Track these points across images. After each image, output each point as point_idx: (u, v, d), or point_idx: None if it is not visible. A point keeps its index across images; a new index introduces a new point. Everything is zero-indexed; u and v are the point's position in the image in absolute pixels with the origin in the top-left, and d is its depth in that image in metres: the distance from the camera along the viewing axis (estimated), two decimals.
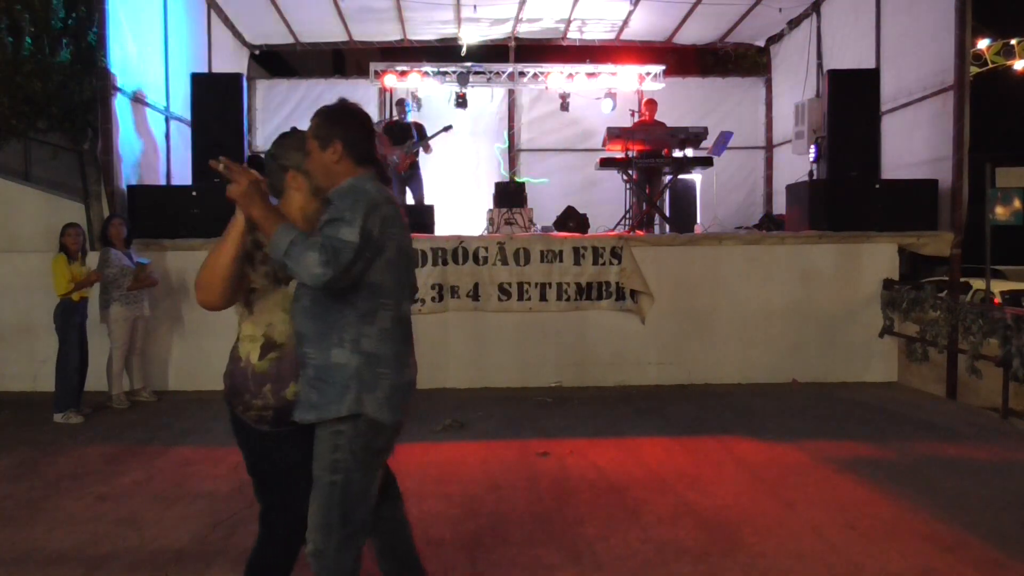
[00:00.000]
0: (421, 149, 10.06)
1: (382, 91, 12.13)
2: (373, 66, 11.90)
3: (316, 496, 2.53)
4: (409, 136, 10.06)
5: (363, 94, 12.19)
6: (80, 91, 8.68)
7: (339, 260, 2.32)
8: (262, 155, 11.00)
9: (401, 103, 10.49)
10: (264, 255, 2.53)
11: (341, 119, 2.59)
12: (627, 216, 9.56)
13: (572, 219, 8.95)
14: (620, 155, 9.27)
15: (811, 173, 9.55)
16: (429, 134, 10.05)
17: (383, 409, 2.51)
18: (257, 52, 12.51)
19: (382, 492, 2.71)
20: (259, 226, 2.42)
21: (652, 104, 10.53)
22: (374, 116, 11.82)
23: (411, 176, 10.17)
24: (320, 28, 11.93)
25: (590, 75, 11.97)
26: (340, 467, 2.50)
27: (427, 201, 9.03)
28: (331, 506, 2.51)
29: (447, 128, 10.10)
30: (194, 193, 7.96)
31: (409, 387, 2.63)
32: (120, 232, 7.11)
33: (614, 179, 10.21)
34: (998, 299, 12.27)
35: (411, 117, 10.56)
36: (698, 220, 10.31)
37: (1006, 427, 6.41)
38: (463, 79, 11.74)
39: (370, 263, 2.44)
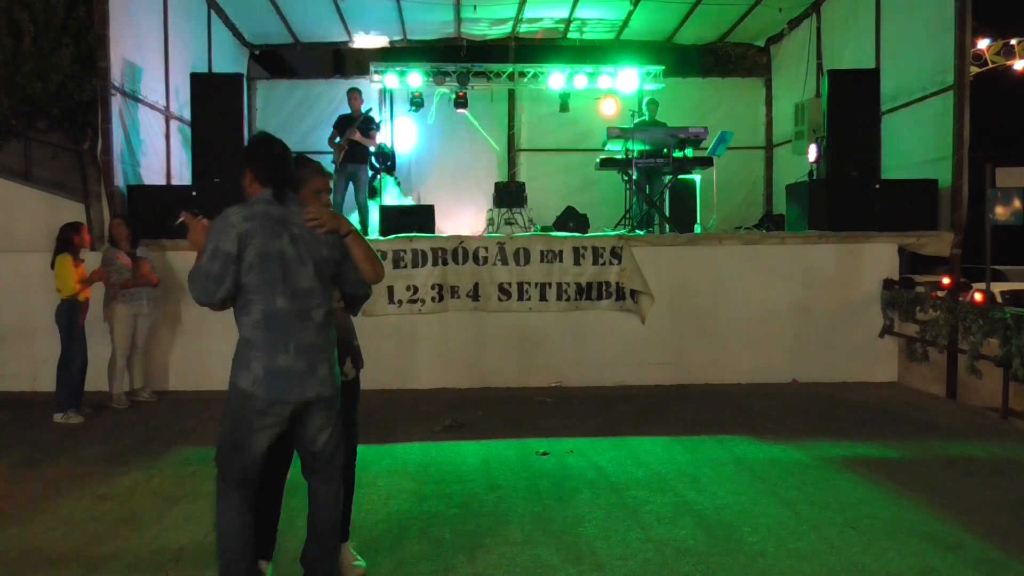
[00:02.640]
0: (359, 137, 9.80)
1: (382, 91, 12.14)
2: (373, 66, 11.90)
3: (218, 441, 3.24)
4: (349, 128, 9.94)
5: (363, 94, 12.17)
6: (80, 91, 8.69)
7: (195, 286, 3.08)
8: None
9: (350, 92, 10.14)
10: None
11: (250, 151, 3.35)
12: (627, 216, 9.56)
13: (572, 219, 8.95)
14: (620, 155, 9.27)
15: (811, 173, 9.55)
16: (371, 128, 9.85)
17: (255, 385, 3.06)
18: (257, 52, 12.52)
19: (311, 468, 3.27)
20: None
21: (652, 104, 10.54)
22: (374, 116, 11.80)
23: (354, 172, 9.81)
24: (320, 28, 11.93)
25: (590, 75, 11.97)
26: (224, 423, 3.18)
27: (427, 201, 9.02)
28: (219, 451, 3.17)
29: (369, 111, 10.07)
30: (194, 193, 7.95)
31: (284, 371, 3.07)
32: (121, 232, 7.12)
33: (614, 179, 10.21)
34: (983, 295, 12.23)
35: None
36: (698, 220, 10.31)
37: (1006, 427, 6.41)
38: (463, 79, 11.75)
39: (235, 271, 3.05)
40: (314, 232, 3.14)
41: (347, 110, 9.98)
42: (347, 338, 3.55)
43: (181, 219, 3.23)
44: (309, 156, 3.59)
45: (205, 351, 7.55)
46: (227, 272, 3.04)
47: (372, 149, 10.16)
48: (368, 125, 9.88)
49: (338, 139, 9.96)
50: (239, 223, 3.06)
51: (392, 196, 10.85)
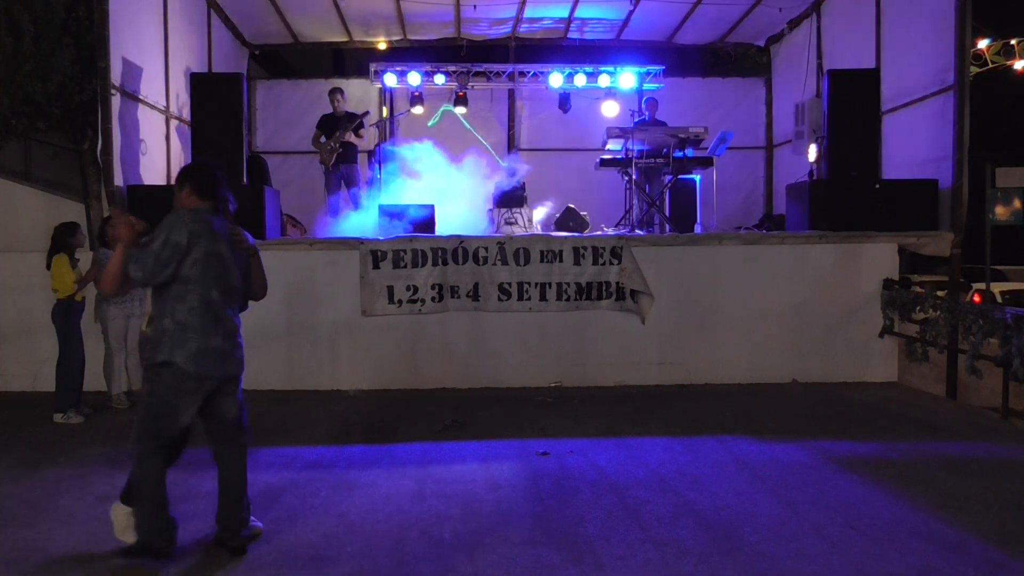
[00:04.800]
0: (353, 137, 10.01)
1: (382, 91, 12.15)
2: (373, 66, 11.90)
3: (139, 411, 3.86)
4: (336, 128, 10.03)
5: (363, 94, 12.20)
6: (80, 91, 8.69)
7: (144, 265, 3.63)
8: (262, 155, 11.11)
9: (332, 92, 10.27)
10: None
11: (193, 170, 3.99)
12: (627, 216, 9.56)
13: (572, 219, 8.95)
14: (620, 155, 9.26)
15: (811, 173, 9.55)
16: (353, 125, 9.99)
17: (189, 362, 3.66)
18: (257, 52, 12.51)
19: (224, 436, 3.91)
20: (124, 251, 3.73)
21: (652, 104, 10.53)
22: (374, 116, 11.83)
23: (347, 172, 10.09)
24: (320, 28, 11.93)
25: (590, 75, 11.96)
26: (154, 394, 3.74)
27: (427, 201, 9.03)
28: (145, 420, 3.74)
29: (365, 114, 10.24)
30: None
31: (215, 351, 3.74)
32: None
33: (614, 179, 10.21)
34: (979, 296, 12.26)
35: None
36: (698, 220, 10.31)
37: (1006, 427, 6.41)
38: (463, 79, 11.75)
39: (180, 262, 3.65)
40: (237, 244, 3.88)
41: (329, 110, 10.13)
42: None
43: (113, 216, 3.88)
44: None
45: None
46: (173, 260, 3.64)
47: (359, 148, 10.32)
48: (361, 124, 9.97)
49: (323, 139, 10.02)
50: (190, 223, 3.70)
51: (392, 196, 10.85)
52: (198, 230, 3.69)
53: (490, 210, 9.84)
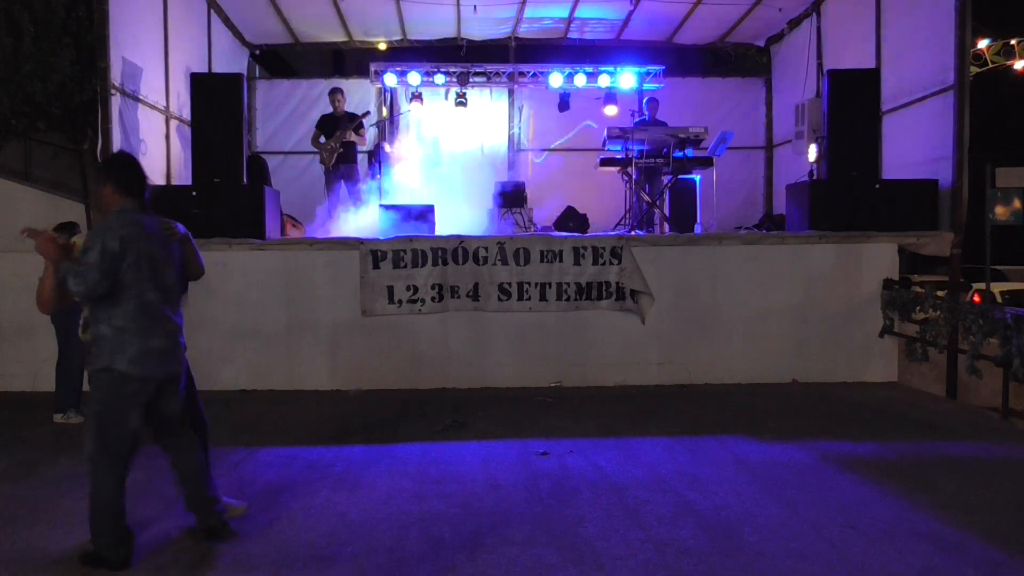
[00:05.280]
0: (354, 137, 10.07)
1: (381, 91, 12.15)
2: (373, 66, 11.90)
3: (86, 423, 3.80)
4: (336, 128, 10.05)
5: (363, 94, 12.20)
6: (80, 91, 8.70)
7: (87, 279, 3.58)
8: (262, 155, 11.11)
9: (332, 93, 10.34)
10: None
11: (114, 165, 3.97)
12: (627, 216, 9.56)
13: (572, 219, 8.95)
14: (620, 155, 9.26)
15: (811, 173, 9.55)
16: (354, 125, 10.05)
17: (130, 366, 3.67)
18: (257, 52, 12.51)
19: (171, 432, 3.94)
20: (55, 267, 3.66)
21: (653, 104, 10.53)
22: (373, 115, 11.83)
23: (347, 171, 10.16)
24: (320, 28, 11.92)
25: (590, 75, 11.96)
26: (98, 402, 3.72)
27: (427, 201, 9.03)
28: (94, 431, 3.70)
29: (365, 114, 10.26)
30: (194, 193, 7.95)
31: (156, 352, 3.75)
32: None
33: (614, 179, 10.21)
34: (979, 296, 12.25)
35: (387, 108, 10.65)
36: (698, 220, 10.31)
37: (1006, 427, 6.41)
38: (463, 79, 11.75)
39: (118, 268, 3.62)
40: (169, 237, 3.88)
41: (329, 109, 10.15)
42: None
43: (25, 233, 3.78)
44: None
45: (203, 351, 7.50)
46: (113, 268, 3.62)
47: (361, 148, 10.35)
48: (361, 124, 9.99)
49: (323, 139, 10.04)
50: (120, 228, 3.68)
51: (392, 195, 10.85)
52: (129, 234, 3.68)
53: (492, 209, 9.84)
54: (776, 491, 4.76)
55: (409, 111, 11.95)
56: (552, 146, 12.43)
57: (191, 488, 4.01)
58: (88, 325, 3.83)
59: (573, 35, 12.37)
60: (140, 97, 8.61)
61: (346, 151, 10.11)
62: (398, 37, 12.28)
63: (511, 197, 10.09)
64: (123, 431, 3.70)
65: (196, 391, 4.33)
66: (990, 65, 13.64)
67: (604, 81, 12.01)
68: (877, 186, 8.25)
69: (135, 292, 3.69)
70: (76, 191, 9.52)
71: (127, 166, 3.89)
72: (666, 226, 9.52)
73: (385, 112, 12.11)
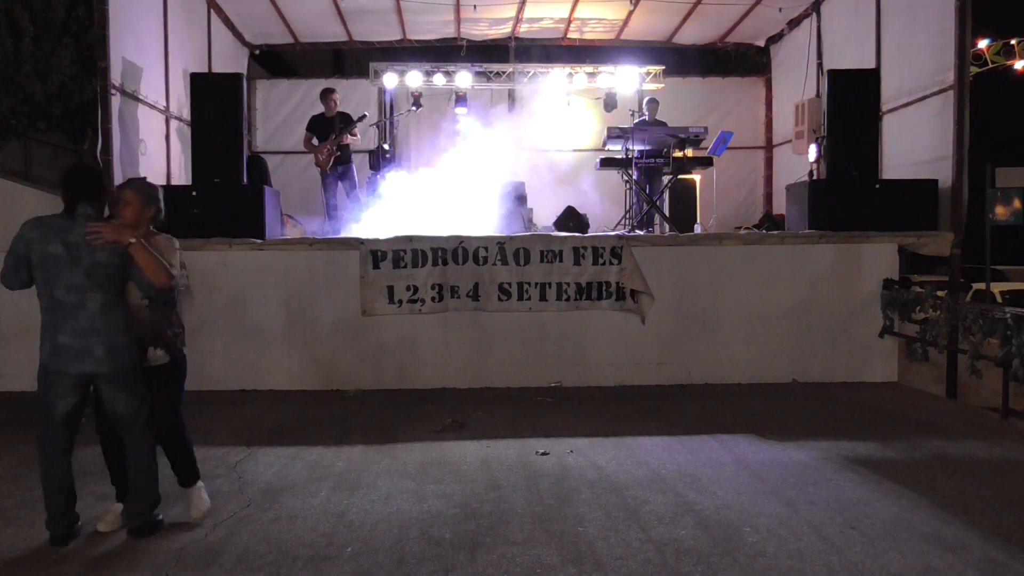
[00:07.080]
0: (348, 138, 10.08)
1: (381, 91, 12.15)
2: (373, 66, 11.90)
3: None
4: (331, 130, 10.05)
5: (363, 94, 12.20)
6: (80, 91, 8.70)
7: (3, 276, 4.02)
8: (262, 155, 11.10)
9: (325, 93, 10.35)
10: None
11: (63, 176, 4.19)
12: (627, 216, 9.56)
13: (572, 219, 8.94)
14: (620, 155, 9.26)
15: (811, 173, 9.55)
16: (349, 128, 10.05)
17: (47, 358, 3.95)
18: (257, 52, 12.51)
19: (121, 429, 4.12)
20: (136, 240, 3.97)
21: (652, 104, 10.53)
22: (373, 116, 11.83)
23: (344, 172, 10.22)
24: (320, 28, 11.93)
25: (590, 75, 11.96)
26: (38, 388, 4.03)
27: (426, 201, 9.03)
28: (38, 413, 4.03)
29: (361, 118, 10.23)
30: (194, 193, 7.95)
31: (64, 348, 3.92)
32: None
33: (614, 179, 10.21)
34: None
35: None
36: (698, 220, 10.32)
37: (1006, 427, 6.40)
38: (463, 79, 11.75)
39: (27, 266, 3.96)
40: (92, 242, 3.90)
41: (320, 110, 10.18)
42: (157, 330, 4.25)
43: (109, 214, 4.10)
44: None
45: (204, 351, 7.51)
46: (20, 267, 3.98)
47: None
48: (355, 124, 10.00)
49: (315, 140, 10.03)
50: (27, 232, 4.02)
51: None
52: (33, 236, 3.98)
53: (493, 209, 9.83)
54: (776, 491, 4.76)
55: (409, 111, 11.95)
56: (552, 146, 12.43)
57: (134, 487, 4.19)
58: None
59: (573, 35, 12.37)
60: (140, 97, 8.61)
61: (341, 151, 10.13)
62: (398, 37, 12.29)
63: (512, 197, 10.08)
64: (49, 416, 3.99)
65: (168, 398, 4.32)
66: (990, 65, 13.64)
67: (604, 81, 12.02)
68: (877, 186, 8.25)
69: (44, 291, 3.97)
70: None
71: (67, 176, 4.16)
72: (666, 226, 9.52)
73: (385, 113, 12.12)
